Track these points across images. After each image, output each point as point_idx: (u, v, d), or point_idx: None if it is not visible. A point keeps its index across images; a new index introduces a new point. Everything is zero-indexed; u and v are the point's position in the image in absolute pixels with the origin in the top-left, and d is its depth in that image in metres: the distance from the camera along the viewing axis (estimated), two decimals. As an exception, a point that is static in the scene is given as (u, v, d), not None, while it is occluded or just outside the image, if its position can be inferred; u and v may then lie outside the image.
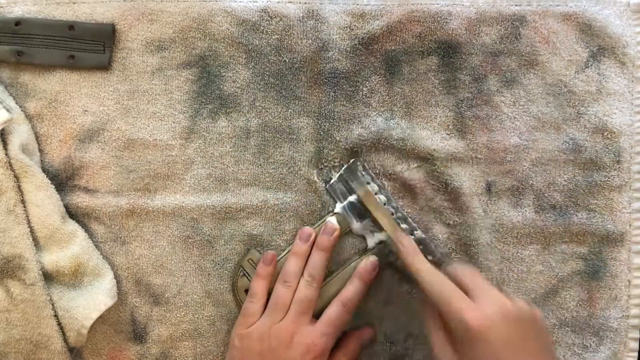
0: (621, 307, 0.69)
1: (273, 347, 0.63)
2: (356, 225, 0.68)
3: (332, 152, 0.69)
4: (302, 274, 0.67)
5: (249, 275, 0.69)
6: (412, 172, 0.69)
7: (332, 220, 0.68)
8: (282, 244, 0.70)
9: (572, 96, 0.69)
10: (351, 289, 0.66)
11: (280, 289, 0.66)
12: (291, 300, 0.66)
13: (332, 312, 0.65)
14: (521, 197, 0.69)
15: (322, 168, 0.69)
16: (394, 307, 0.70)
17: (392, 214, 0.68)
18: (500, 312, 0.55)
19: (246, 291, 0.69)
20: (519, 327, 0.56)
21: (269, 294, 0.67)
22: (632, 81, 0.69)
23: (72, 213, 0.69)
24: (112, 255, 0.69)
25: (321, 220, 0.68)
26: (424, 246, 0.68)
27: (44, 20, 0.68)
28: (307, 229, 0.68)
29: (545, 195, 0.68)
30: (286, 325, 0.64)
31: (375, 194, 0.68)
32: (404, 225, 0.68)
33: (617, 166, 0.68)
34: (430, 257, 0.68)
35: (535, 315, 0.57)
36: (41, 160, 0.68)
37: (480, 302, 0.56)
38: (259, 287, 0.67)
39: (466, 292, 0.58)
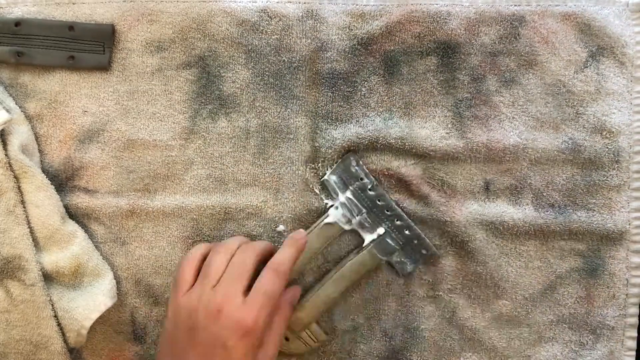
0: (619, 306, 0.69)
1: (200, 321, 0.58)
2: (353, 220, 0.69)
3: (330, 152, 0.69)
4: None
5: None
6: (408, 169, 0.69)
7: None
8: (282, 243, 0.69)
9: (571, 96, 0.69)
10: (282, 253, 0.62)
11: (214, 256, 0.61)
12: (225, 267, 0.60)
13: (265, 280, 0.59)
14: (520, 196, 0.69)
15: (319, 168, 0.69)
16: (390, 303, 0.70)
17: (387, 210, 0.69)
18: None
19: None
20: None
21: None
22: (631, 81, 0.68)
23: (72, 214, 0.69)
24: (112, 255, 0.69)
25: (319, 220, 0.68)
26: (419, 241, 0.68)
27: (43, 21, 0.68)
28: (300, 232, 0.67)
29: (544, 194, 0.68)
30: (215, 296, 0.58)
31: (370, 189, 0.68)
32: (398, 222, 0.68)
33: (616, 166, 0.68)
34: (424, 252, 0.68)
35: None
36: (41, 161, 0.69)
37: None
38: (196, 250, 0.63)
39: None
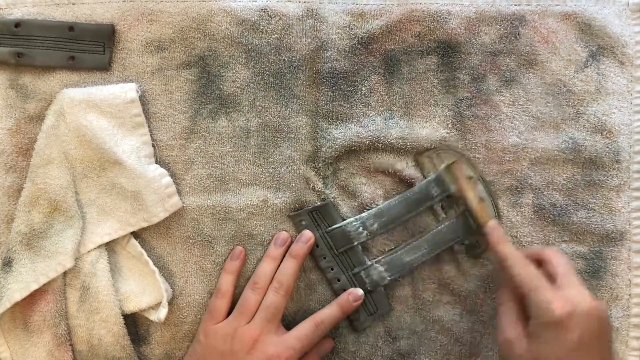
0: (622, 306, 0.69)
1: (235, 350, 0.64)
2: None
3: (331, 151, 0.69)
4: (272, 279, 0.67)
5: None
6: (410, 170, 0.69)
7: (307, 232, 0.69)
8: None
9: (571, 96, 0.69)
10: (328, 312, 0.67)
11: (249, 293, 0.67)
12: (259, 305, 0.66)
13: (304, 328, 0.66)
14: (520, 197, 0.69)
15: (320, 167, 0.69)
16: (396, 305, 0.70)
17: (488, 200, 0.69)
18: (585, 307, 0.57)
19: None
20: (598, 325, 0.57)
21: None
22: (631, 81, 0.69)
23: (73, 214, 0.69)
24: (114, 256, 0.69)
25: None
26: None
27: (43, 22, 0.68)
28: (283, 234, 0.69)
29: (545, 194, 0.68)
30: (250, 331, 0.65)
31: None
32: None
33: (616, 165, 0.68)
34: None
35: (609, 319, 0.60)
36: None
37: (567, 292, 0.58)
38: (225, 282, 0.68)
39: (552, 277, 0.59)
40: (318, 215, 0.69)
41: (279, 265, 0.68)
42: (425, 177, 0.69)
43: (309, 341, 0.65)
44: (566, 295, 0.57)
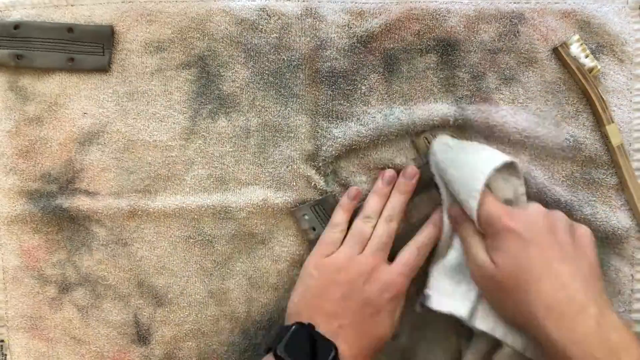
0: (624, 302, 0.69)
1: (352, 278, 0.64)
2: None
3: (331, 150, 0.69)
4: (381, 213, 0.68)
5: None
6: (410, 163, 0.69)
7: (411, 167, 0.69)
8: (283, 241, 0.70)
9: (571, 94, 0.69)
10: (426, 234, 0.68)
11: (360, 223, 0.67)
12: (370, 235, 0.67)
13: (409, 253, 0.66)
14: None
15: (320, 166, 0.69)
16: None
17: None
18: (523, 210, 0.62)
19: (314, 228, 0.70)
20: (543, 220, 0.61)
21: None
22: (631, 78, 0.68)
23: (74, 216, 0.69)
24: (114, 257, 0.69)
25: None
26: None
27: (42, 24, 0.68)
28: (390, 171, 0.69)
29: (548, 189, 0.68)
30: (366, 259, 0.65)
31: None
32: None
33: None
34: None
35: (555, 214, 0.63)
36: (41, 164, 0.69)
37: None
38: (340, 217, 0.68)
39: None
40: (320, 209, 0.69)
41: (385, 201, 0.68)
42: (422, 160, 0.69)
43: (415, 265, 0.66)
44: (510, 209, 0.62)
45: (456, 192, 0.64)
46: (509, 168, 0.64)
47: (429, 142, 0.69)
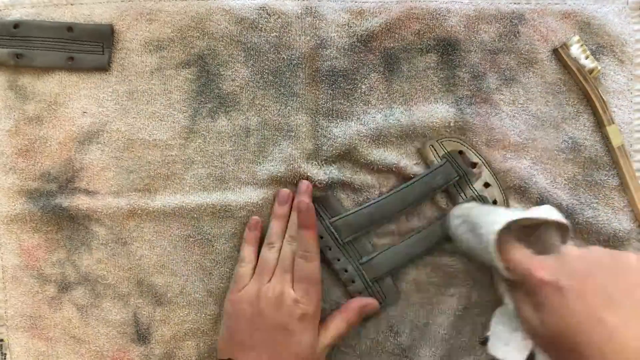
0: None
1: (261, 309, 0.64)
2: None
3: (332, 150, 0.69)
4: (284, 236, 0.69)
5: None
6: (412, 168, 0.69)
7: (303, 182, 0.69)
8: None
9: (571, 95, 0.69)
10: (307, 239, 0.67)
11: (266, 253, 0.68)
12: (277, 262, 0.67)
13: (302, 266, 0.66)
14: (524, 195, 0.69)
15: (321, 165, 0.69)
16: (399, 300, 0.70)
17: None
18: (561, 259, 0.57)
19: None
20: (584, 267, 0.56)
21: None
22: (631, 79, 0.69)
23: (73, 215, 0.69)
24: (114, 256, 0.69)
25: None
26: None
27: (42, 23, 0.68)
28: (284, 191, 0.69)
29: (549, 193, 0.68)
30: (273, 286, 0.65)
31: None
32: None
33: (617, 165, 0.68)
34: None
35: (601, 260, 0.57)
36: (41, 163, 0.69)
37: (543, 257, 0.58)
38: (247, 251, 0.68)
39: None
40: (320, 207, 0.69)
41: (287, 222, 0.69)
42: (429, 167, 0.69)
43: (312, 279, 0.66)
44: (540, 258, 0.57)
45: (478, 244, 0.62)
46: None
47: (435, 151, 0.69)
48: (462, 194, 0.68)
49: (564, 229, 0.61)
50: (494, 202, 0.68)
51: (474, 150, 0.68)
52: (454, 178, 0.68)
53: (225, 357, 0.65)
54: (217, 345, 0.68)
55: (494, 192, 0.68)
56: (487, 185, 0.68)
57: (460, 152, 0.69)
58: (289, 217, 0.69)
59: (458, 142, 0.69)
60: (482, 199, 0.68)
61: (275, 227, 0.68)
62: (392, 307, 0.70)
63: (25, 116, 0.68)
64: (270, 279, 0.66)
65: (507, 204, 0.68)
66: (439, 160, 0.69)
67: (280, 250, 0.67)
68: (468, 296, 0.70)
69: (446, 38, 0.69)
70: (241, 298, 0.66)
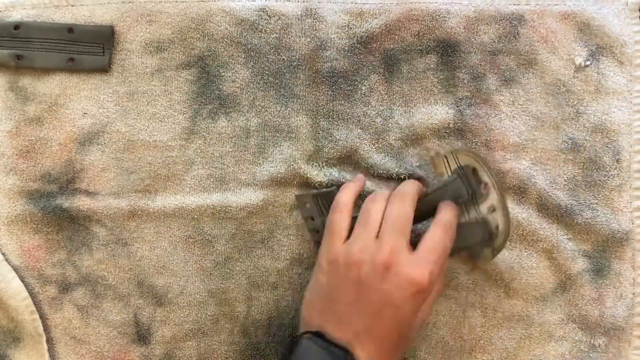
0: (627, 305, 0.69)
1: (366, 275, 0.56)
2: None
3: (332, 151, 0.69)
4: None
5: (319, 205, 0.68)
6: (413, 171, 0.69)
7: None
8: (283, 240, 0.70)
9: (570, 95, 0.69)
10: (446, 213, 0.60)
11: (369, 203, 0.60)
12: (382, 216, 0.58)
13: (434, 235, 0.57)
14: (523, 196, 0.69)
15: (322, 166, 0.69)
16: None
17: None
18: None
19: (312, 218, 0.68)
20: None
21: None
22: (631, 80, 0.69)
23: (74, 216, 0.69)
24: (114, 257, 0.69)
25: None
26: None
27: (42, 24, 0.68)
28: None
29: (548, 194, 0.68)
30: (382, 246, 0.56)
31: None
32: None
33: (617, 165, 0.68)
34: None
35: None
36: (42, 164, 0.69)
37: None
38: (345, 196, 0.62)
39: None
40: (322, 201, 0.68)
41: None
42: (435, 174, 0.68)
43: (444, 249, 0.57)
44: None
45: None
46: None
47: (447, 162, 0.66)
48: (466, 213, 0.65)
49: None
50: (496, 228, 0.63)
51: (487, 170, 0.64)
52: (464, 197, 0.64)
53: (313, 327, 0.57)
54: (302, 307, 0.62)
55: (498, 217, 0.63)
56: (492, 209, 0.63)
57: (474, 170, 0.64)
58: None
59: (473, 158, 0.64)
60: (485, 223, 0.64)
61: (377, 191, 0.63)
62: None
63: (26, 117, 0.68)
64: (376, 239, 0.57)
65: (508, 233, 0.63)
66: (450, 173, 0.66)
67: (385, 205, 0.59)
68: (467, 298, 0.70)
69: (446, 39, 0.69)
70: (340, 256, 0.58)
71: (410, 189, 0.60)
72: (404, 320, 0.56)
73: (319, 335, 0.56)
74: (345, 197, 0.61)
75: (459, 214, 0.61)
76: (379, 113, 0.69)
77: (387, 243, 0.56)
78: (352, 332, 0.56)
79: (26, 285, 0.69)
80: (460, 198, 0.64)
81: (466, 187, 0.64)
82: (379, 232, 0.57)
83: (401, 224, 0.57)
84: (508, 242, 0.68)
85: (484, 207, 0.63)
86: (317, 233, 0.69)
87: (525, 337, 0.70)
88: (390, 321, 0.55)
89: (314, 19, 0.69)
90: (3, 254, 0.69)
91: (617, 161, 0.68)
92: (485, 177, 0.63)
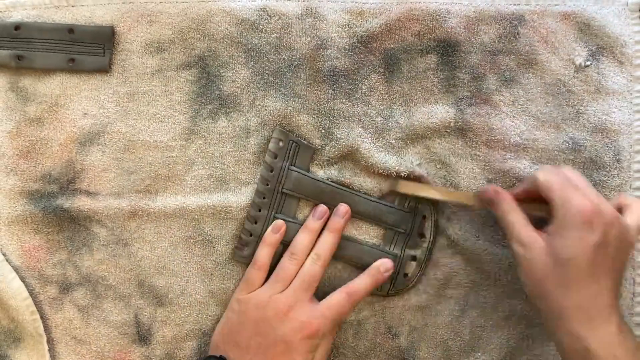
0: (626, 305, 0.69)
1: (268, 317, 0.64)
2: None
3: (333, 150, 0.69)
4: (310, 251, 0.68)
5: None
6: (414, 169, 0.69)
7: (343, 205, 0.69)
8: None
9: (571, 95, 0.69)
10: (360, 283, 0.67)
11: (286, 262, 0.67)
12: (295, 274, 0.67)
13: (336, 298, 0.66)
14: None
15: (323, 165, 0.69)
16: (396, 300, 0.70)
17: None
18: (610, 214, 0.58)
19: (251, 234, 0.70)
20: (617, 233, 0.58)
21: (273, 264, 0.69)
22: (631, 80, 0.69)
23: (74, 216, 0.69)
24: (115, 257, 0.69)
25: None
26: None
27: (43, 24, 0.68)
28: (322, 207, 0.69)
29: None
30: (285, 298, 0.65)
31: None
32: None
33: (617, 165, 0.68)
34: None
35: (628, 233, 0.59)
36: (42, 165, 0.69)
37: (595, 199, 0.58)
38: (263, 254, 0.68)
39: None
40: (295, 147, 0.69)
41: (315, 239, 0.68)
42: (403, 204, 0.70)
43: (341, 311, 0.66)
44: (593, 200, 0.58)
45: None
46: None
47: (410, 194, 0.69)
48: (393, 245, 0.70)
49: None
50: (404, 275, 0.70)
51: (433, 224, 0.70)
52: (402, 231, 0.70)
53: (219, 353, 0.65)
54: (212, 338, 0.68)
55: (410, 269, 0.70)
56: (413, 258, 0.70)
57: (424, 217, 0.70)
58: (319, 234, 0.69)
59: (434, 210, 0.70)
60: (400, 261, 0.70)
61: (303, 239, 0.68)
62: (391, 306, 0.71)
63: (26, 118, 0.68)
64: (284, 290, 0.66)
65: (400, 290, 0.70)
66: (407, 201, 0.70)
67: (301, 264, 0.67)
68: (466, 298, 0.70)
69: (446, 39, 0.69)
70: (249, 300, 0.66)
71: (326, 250, 0.68)
72: (295, 357, 0.64)
73: (222, 358, 0.64)
74: (262, 257, 0.68)
75: (369, 287, 0.68)
76: (380, 112, 0.69)
77: (292, 296, 0.66)
78: (249, 358, 0.64)
79: (27, 286, 0.69)
80: (399, 228, 0.70)
81: (411, 225, 0.70)
82: (289, 285, 0.66)
83: (310, 282, 0.66)
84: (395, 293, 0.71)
85: (410, 252, 0.70)
86: (270, 172, 0.69)
87: (525, 337, 0.70)
88: (283, 355, 0.64)
89: (314, 18, 0.69)
90: (4, 254, 0.69)
91: (617, 161, 0.68)
92: (427, 233, 0.70)
